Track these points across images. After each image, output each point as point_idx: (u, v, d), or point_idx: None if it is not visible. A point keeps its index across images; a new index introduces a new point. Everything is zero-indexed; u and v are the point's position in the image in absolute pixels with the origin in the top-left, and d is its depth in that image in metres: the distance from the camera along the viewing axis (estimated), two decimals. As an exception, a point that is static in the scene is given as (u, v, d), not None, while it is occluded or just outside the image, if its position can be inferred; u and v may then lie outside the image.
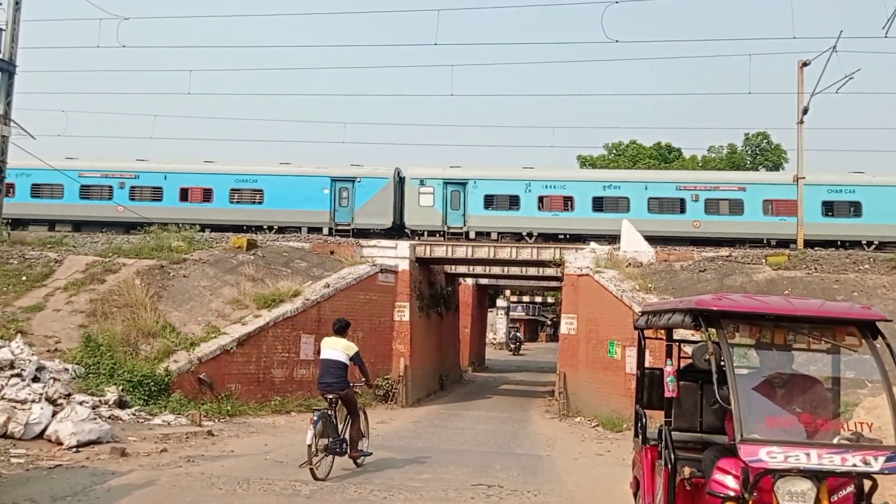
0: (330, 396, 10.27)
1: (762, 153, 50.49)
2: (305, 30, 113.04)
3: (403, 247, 23.57)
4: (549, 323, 76.33)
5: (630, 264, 21.14)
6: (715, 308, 5.16)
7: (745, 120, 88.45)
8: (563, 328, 23.01)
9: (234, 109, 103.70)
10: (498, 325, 62.03)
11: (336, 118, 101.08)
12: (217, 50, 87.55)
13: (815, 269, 19.08)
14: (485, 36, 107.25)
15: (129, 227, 27.04)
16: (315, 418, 9.76)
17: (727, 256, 21.61)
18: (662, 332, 6.81)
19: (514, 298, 65.34)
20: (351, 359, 10.40)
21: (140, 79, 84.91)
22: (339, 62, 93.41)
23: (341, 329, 10.71)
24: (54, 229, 27.37)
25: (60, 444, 10.35)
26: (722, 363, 5.02)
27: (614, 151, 52.53)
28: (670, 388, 5.89)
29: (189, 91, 76.73)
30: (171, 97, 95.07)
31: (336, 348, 10.44)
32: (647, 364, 7.30)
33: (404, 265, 22.82)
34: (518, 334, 59.46)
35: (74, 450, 10.20)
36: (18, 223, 26.76)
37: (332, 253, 22.88)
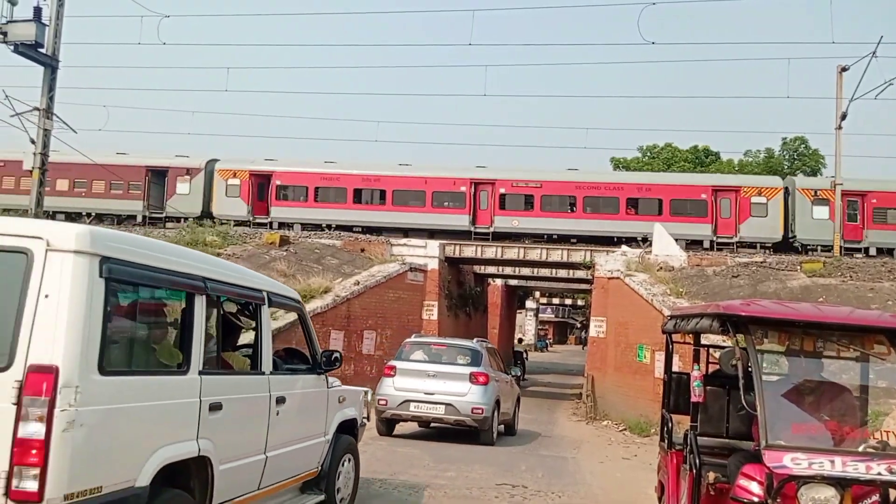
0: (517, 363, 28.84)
1: (800, 158, 49.76)
2: (341, 29, 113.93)
3: (433, 246, 23.66)
4: (578, 325, 76.09)
5: (661, 268, 20.97)
6: (743, 314, 5.15)
7: (783, 124, 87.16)
8: (592, 331, 22.91)
9: (270, 107, 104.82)
10: (527, 326, 61.91)
11: (370, 116, 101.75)
12: (254, 48, 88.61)
13: (850, 276, 18.79)
14: (518, 37, 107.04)
15: None
16: (516, 365, 26.25)
17: (761, 262, 21.34)
18: (691, 336, 6.80)
19: (544, 300, 65.19)
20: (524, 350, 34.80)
21: (179, 75, 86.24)
22: (374, 61, 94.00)
23: (521, 340, 41.49)
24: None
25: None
26: (749, 369, 5.01)
27: (649, 154, 52.11)
28: (697, 393, 5.88)
29: (226, 88, 77.62)
30: (209, 94, 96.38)
31: (519, 348, 34.51)
32: (675, 368, 7.29)
33: (433, 264, 22.91)
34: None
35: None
36: None
37: (362, 251, 23.05)
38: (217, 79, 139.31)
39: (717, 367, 6.82)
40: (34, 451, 3.67)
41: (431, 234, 27.25)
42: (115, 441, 4.13)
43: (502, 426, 14.79)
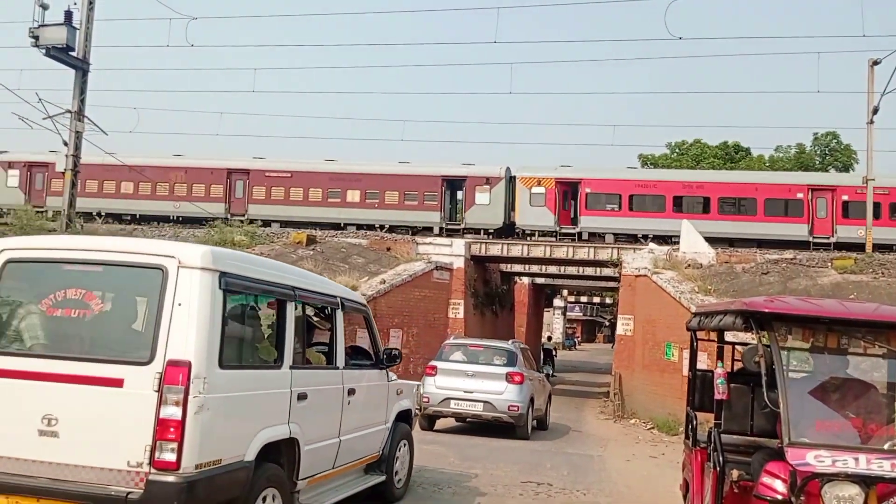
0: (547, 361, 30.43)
1: (831, 153, 49.01)
2: (365, 28, 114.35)
3: (459, 245, 23.68)
4: (606, 324, 75.62)
5: (689, 265, 20.78)
6: (766, 310, 5.10)
7: (814, 119, 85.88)
8: (620, 329, 22.79)
9: (297, 107, 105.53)
10: (555, 324, 61.64)
11: (395, 115, 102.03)
12: (280, 49, 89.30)
13: (883, 273, 18.49)
14: (544, 34, 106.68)
15: None
16: (546, 363, 27.94)
17: (791, 259, 21.06)
18: (717, 333, 6.74)
19: (572, 298, 64.84)
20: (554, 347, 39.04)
21: (207, 77, 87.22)
22: (399, 60, 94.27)
23: (550, 338, 43.34)
24: None
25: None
26: (773, 366, 4.96)
27: (677, 150, 51.59)
28: (721, 391, 5.84)
29: (254, 89, 78.18)
30: (237, 95, 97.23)
31: (548, 345, 36.74)
32: (703, 366, 7.24)
33: (459, 263, 22.94)
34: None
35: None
36: None
37: (388, 249, 23.15)
38: (244, 80, 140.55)
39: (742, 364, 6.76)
40: (172, 429, 4.52)
41: (759, 244, 25.53)
42: (230, 423, 4.98)
43: (535, 421, 15.46)
